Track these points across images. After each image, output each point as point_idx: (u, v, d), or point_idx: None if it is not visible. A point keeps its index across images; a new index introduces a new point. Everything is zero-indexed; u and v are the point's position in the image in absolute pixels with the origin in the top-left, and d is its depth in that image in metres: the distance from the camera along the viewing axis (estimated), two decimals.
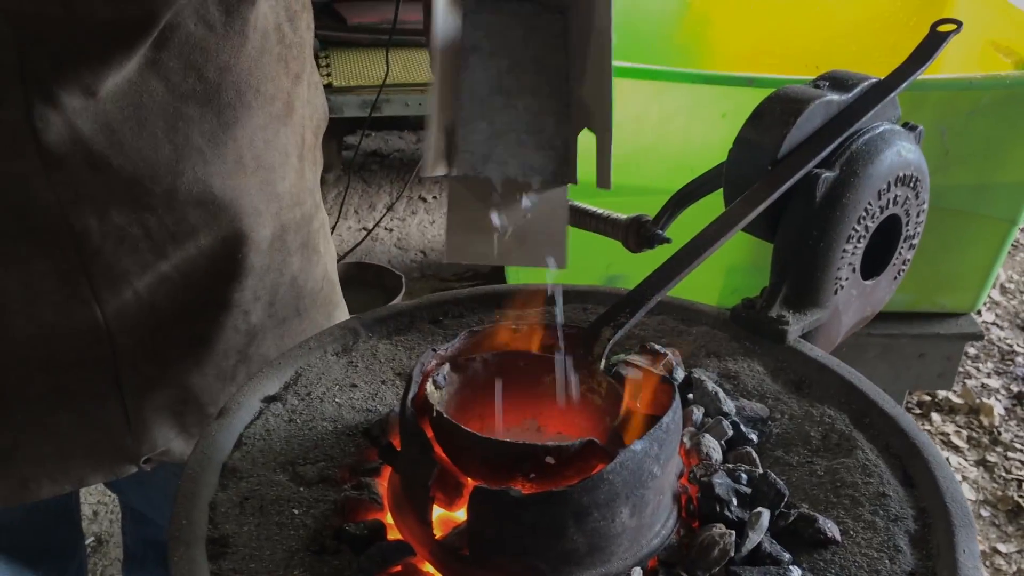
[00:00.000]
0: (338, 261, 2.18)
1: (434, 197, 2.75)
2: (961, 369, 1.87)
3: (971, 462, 1.66)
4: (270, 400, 0.64)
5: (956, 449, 1.68)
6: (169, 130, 0.68)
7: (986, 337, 1.99)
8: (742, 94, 1.08)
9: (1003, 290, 2.18)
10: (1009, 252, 2.31)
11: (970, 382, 1.85)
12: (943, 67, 1.29)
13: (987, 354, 1.94)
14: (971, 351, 1.93)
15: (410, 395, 0.53)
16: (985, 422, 1.74)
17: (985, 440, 1.71)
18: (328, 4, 2.51)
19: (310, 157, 0.84)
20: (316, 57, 2.37)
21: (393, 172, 2.87)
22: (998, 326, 2.05)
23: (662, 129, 1.16)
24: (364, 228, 2.51)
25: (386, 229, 2.55)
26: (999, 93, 1.13)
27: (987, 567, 1.49)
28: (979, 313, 2.08)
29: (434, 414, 0.52)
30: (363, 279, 2.19)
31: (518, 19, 0.57)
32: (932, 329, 1.25)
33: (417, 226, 2.59)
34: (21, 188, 0.65)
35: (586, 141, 0.60)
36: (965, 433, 1.72)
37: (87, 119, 0.65)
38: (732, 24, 1.62)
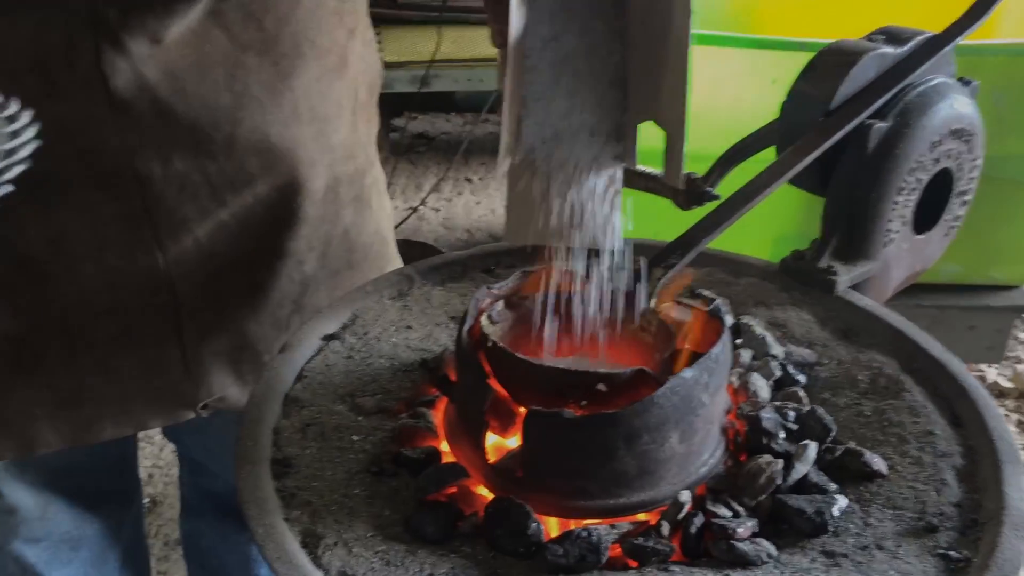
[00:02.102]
0: None
1: (480, 178, 2.77)
2: (1012, 353, 1.84)
3: (1021, 446, 1.64)
4: (329, 338, 0.66)
5: None
6: (229, 78, 0.71)
7: None
8: (793, 58, 1.08)
9: None
10: None
11: (1021, 366, 1.82)
12: (1000, 32, 1.27)
13: None
14: (1021, 334, 1.89)
15: (466, 327, 0.55)
16: None
17: None
18: None
19: (363, 114, 0.86)
20: None
21: (440, 153, 2.89)
22: None
23: (712, 94, 1.16)
24: (411, 208, 2.54)
25: (433, 209, 2.57)
26: None
27: None
28: None
29: (489, 344, 0.54)
30: (410, 257, 2.20)
31: (576, 12, 0.59)
32: (983, 301, 1.24)
33: (463, 206, 2.62)
34: (90, 133, 0.68)
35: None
36: (1015, 417, 1.70)
37: (153, 66, 0.67)
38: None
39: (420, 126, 3.07)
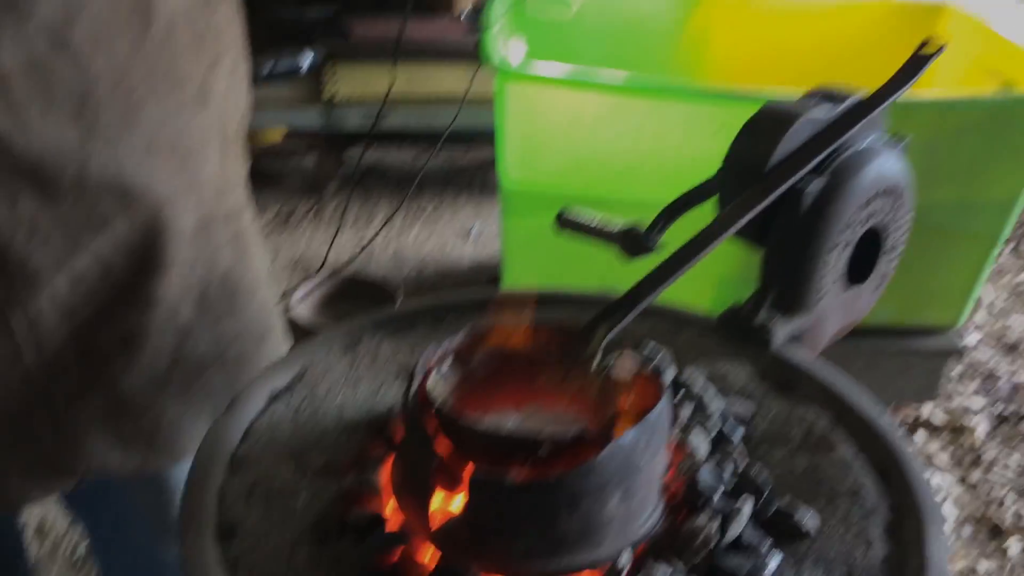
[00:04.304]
0: (334, 274, 2.21)
1: (431, 210, 2.78)
2: (944, 390, 1.90)
3: (954, 480, 1.68)
4: (277, 395, 0.66)
5: (939, 468, 1.71)
6: (77, 112, 0.66)
7: (970, 358, 2.02)
8: (736, 109, 1.12)
9: (988, 311, 2.22)
10: (995, 274, 2.35)
11: (954, 402, 1.88)
12: (932, 85, 1.32)
13: (971, 375, 1.97)
14: (955, 371, 1.96)
15: (413, 388, 0.56)
16: (968, 442, 1.77)
17: (968, 459, 1.73)
18: (333, 18, 2.55)
19: (233, 151, 0.82)
20: (319, 70, 2.41)
21: (392, 186, 2.90)
22: (983, 347, 2.08)
23: (658, 143, 1.19)
24: (361, 241, 2.54)
25: (383, 243, 2.57)
26: (983, 113, 1.16)
27: None
28: (963, 334, 2.12)
29: (436, 406, 0.55)
30: (358, 293, 2.22)
31: None
32: (916, 344, 1.28)
33: (413, 240, 2.62)
34: None
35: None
36: (949, 452, 1.75)
37: None
38: (730, 41, 1.66)
39: (372, 158, 3.08)
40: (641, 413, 0.54)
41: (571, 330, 0.61)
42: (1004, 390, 1.93)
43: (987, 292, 2.28)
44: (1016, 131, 1.15)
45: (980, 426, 1.81)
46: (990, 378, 1.98)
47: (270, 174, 2.91)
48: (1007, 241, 2.49)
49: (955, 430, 1.80)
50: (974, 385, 1.95)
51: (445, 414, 0.54)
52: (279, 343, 0.90)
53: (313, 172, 2.86)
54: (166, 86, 0.72)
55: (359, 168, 2.89)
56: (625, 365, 0.59)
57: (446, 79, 2.26)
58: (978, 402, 1.89)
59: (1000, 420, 1.85)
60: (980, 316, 2.20)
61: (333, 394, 0.67)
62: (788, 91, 1.21)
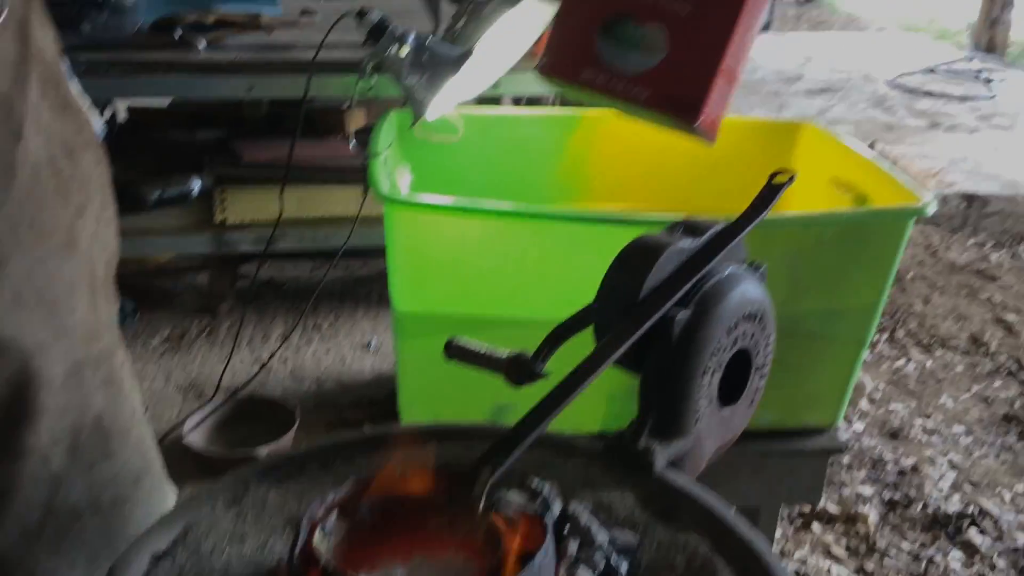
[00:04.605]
0: (232, 395, 2.16)
1: (330, 324, 2.76)
2: (836, 479, 1.97)
3: (851, 570, 1.73)
4: (159, 558, 0.64)
5: (837, 559, 1.76)
6: None
7: (857, 446, 2.11)
8: (614, 232, 1.17)
9: (870, 400, 2.33)
10: (874, 363, 2.48)
11: (845, 491, 1.95)
12: (793, 203, 1.42)
13: (859, 463, 2.06)
14: (844, 460, 2.04)
15: (297, 546, 0.55)
16: (862, 530, 1.83)
17: (863, 548, 1.79)
18: (223, 142, 2.56)
19: (103, 293, 0.83)
20: (211, 194, 2.41)
21: (288, 302, 2.87)
22: (868, 435, 2.18)
23: (542, 264, 1.23)
24: (258, 360, 2.49)
25: (280, 360, 2.53)
26: (840, 228, 1.26)
27: None
28: (848, 423, 2.21)
29: (321, 563, 0.54)
30: (255, 413, 2.17)
31: None
32: (798, 445, 1.34)
33: (312, 355, 2.59)
34: None
35: None
36: (844, 542, 1.80)
37: None
38: (608, 159, 1.74)
39: (267, 272, 3.05)
40: (527, 555, 0.55)
41: (456, 473, 0.62)
42: (891, 476, 2.02)
43: (868, 381, 2.40)
44: (871, 243, 1.24)
45: (872, 513, 1.88)
46: (878, 464, 2.06)
47: (161, 294, 2.84)
48: (883, 330, 2.64)
49: (849, 519, 1.86)
50: (863, 473, 2.03)
51: (330, 573, 0.53)
52: (157, 481, 0.87)
53: (206, 290, 2.81)
54: (31, 237, 0.71)
55: (254, 285, 2.86)
56: (511, 506, 0.61)
57: (338, 200, 2.29)
58: (868, 489, 1.97)
59: (890, 506, 1.92)
60: (863, 404, 2.30)
61: (218, 552, 0.65)
62: (661, 211, 1.28)
